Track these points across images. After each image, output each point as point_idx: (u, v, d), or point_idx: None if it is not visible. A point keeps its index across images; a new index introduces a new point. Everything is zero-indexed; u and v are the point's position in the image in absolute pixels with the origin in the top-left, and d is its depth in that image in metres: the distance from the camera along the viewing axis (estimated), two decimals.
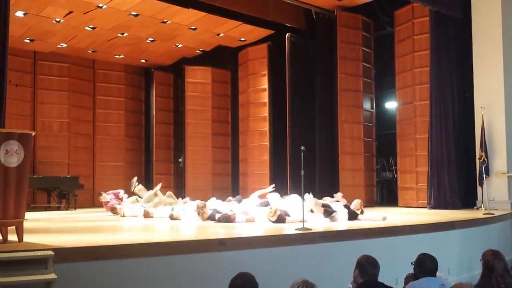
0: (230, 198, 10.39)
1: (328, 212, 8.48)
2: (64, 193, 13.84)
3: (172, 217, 9.44)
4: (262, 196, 9.91)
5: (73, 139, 15.80)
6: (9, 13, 7.30)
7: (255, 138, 14.95)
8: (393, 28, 13.70)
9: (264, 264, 5.85)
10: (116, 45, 15.00)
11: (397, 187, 13.54)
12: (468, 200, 11.73)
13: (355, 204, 9.07)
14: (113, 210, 10.86)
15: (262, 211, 8.77)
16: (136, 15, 12.60)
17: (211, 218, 8.90)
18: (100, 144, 16.44)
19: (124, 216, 10.54)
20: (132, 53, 15.78)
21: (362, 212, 9.00)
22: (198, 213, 8.97)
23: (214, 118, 16.31)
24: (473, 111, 11.98)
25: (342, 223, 8.33)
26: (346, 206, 8.87)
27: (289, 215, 8.30)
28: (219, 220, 8.60)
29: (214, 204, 9.63)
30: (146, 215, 10.18)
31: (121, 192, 11.90)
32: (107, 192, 11.88)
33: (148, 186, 16.44)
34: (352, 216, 8.67)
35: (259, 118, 14.84)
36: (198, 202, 9.48)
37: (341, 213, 8.54)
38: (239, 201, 9.71)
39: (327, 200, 9.37)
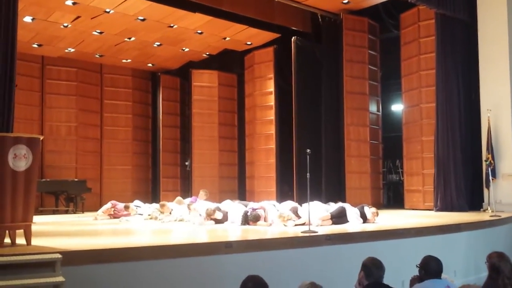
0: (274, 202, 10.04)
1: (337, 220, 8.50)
2: (72, 196, 13.90)
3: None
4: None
5: (80, 143, 15.85)
6: (17, 18, 7.36)
7: (261, 141, 14.98)
8: (399, 30, 13.71)
9: (271, 267, 5.87)
10: (123, 50, 15.09)
11: (404, 190, 13.53)
12: (475, 202, 11.72)
13: (371, 212, 8.82)
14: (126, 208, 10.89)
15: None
16: (143, 20, 12.68)
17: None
18: (108, 148, 16.49)
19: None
20: (139, 57, 15.86)
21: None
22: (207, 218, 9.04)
23: (221, 121, 16.34)
24: (479, 113, 11.97)
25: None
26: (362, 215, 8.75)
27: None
28: (246, 216, 8.57)
29: (229, 207, 9.50)
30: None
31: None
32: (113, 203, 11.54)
33: (155, 189, 16.60)
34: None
35: (265, 121, 14.86)
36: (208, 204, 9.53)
37: (353, 221, 8.57)
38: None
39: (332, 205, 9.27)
